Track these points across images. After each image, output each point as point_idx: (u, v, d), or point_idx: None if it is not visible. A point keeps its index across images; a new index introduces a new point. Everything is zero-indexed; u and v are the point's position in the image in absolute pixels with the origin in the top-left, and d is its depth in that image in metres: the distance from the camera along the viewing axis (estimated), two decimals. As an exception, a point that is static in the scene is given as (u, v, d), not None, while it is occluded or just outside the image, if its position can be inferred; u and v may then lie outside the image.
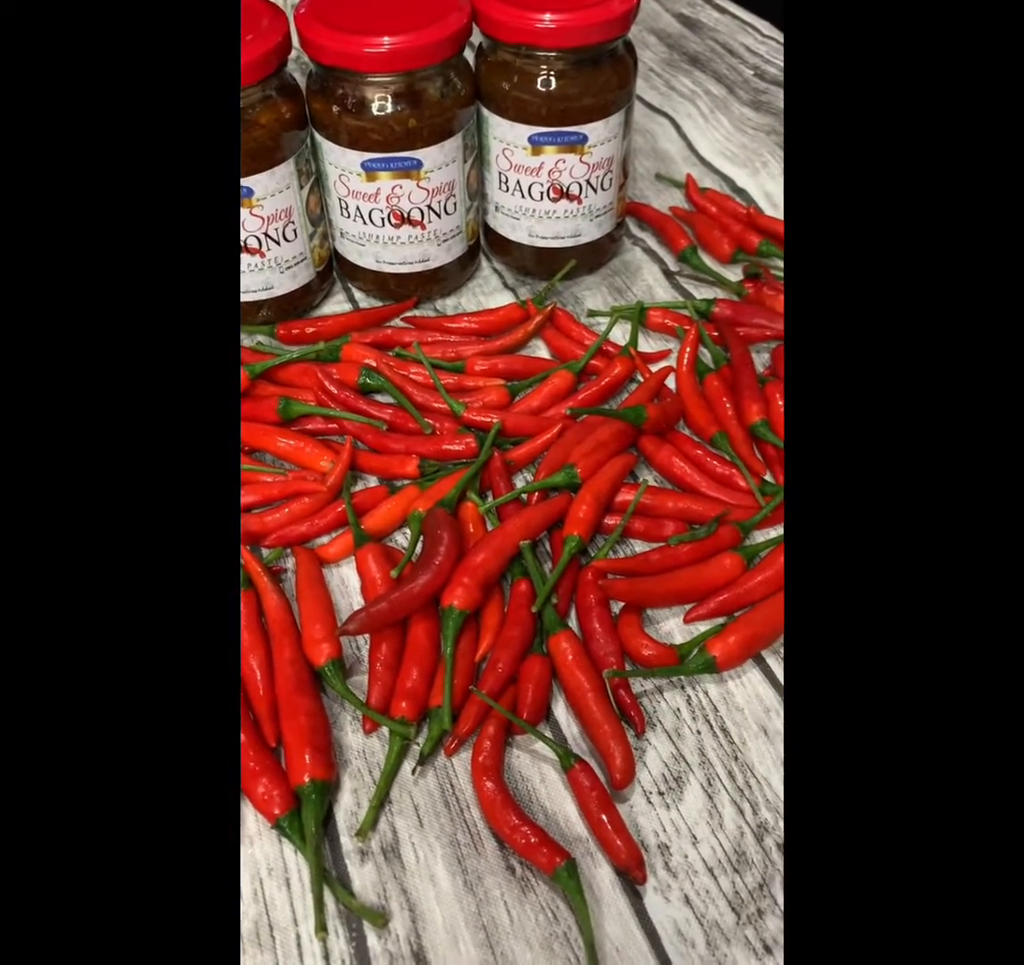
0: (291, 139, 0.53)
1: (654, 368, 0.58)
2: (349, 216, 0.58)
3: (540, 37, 0.51)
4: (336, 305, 0.63)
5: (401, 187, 0.55)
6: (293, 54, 0.52)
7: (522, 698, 0.42)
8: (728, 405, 0.54)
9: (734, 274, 0.64)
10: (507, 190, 0.59)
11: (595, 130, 0.55)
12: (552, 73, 0.53)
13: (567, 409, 0.52)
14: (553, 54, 0.52)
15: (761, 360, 0.58)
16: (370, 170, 0.54)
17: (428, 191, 0.56)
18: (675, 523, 0.49)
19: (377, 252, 0.59)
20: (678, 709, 0.43)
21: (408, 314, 0.62)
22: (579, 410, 0.52)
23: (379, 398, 0.56)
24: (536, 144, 0.55)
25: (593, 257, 0.63)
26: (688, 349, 0.56)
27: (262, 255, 0.56)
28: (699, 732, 0.42)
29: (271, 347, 0.59)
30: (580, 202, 0.59)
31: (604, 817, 0.39)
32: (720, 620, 0.46)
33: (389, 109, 0.52)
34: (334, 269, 0.64)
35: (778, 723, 0.42)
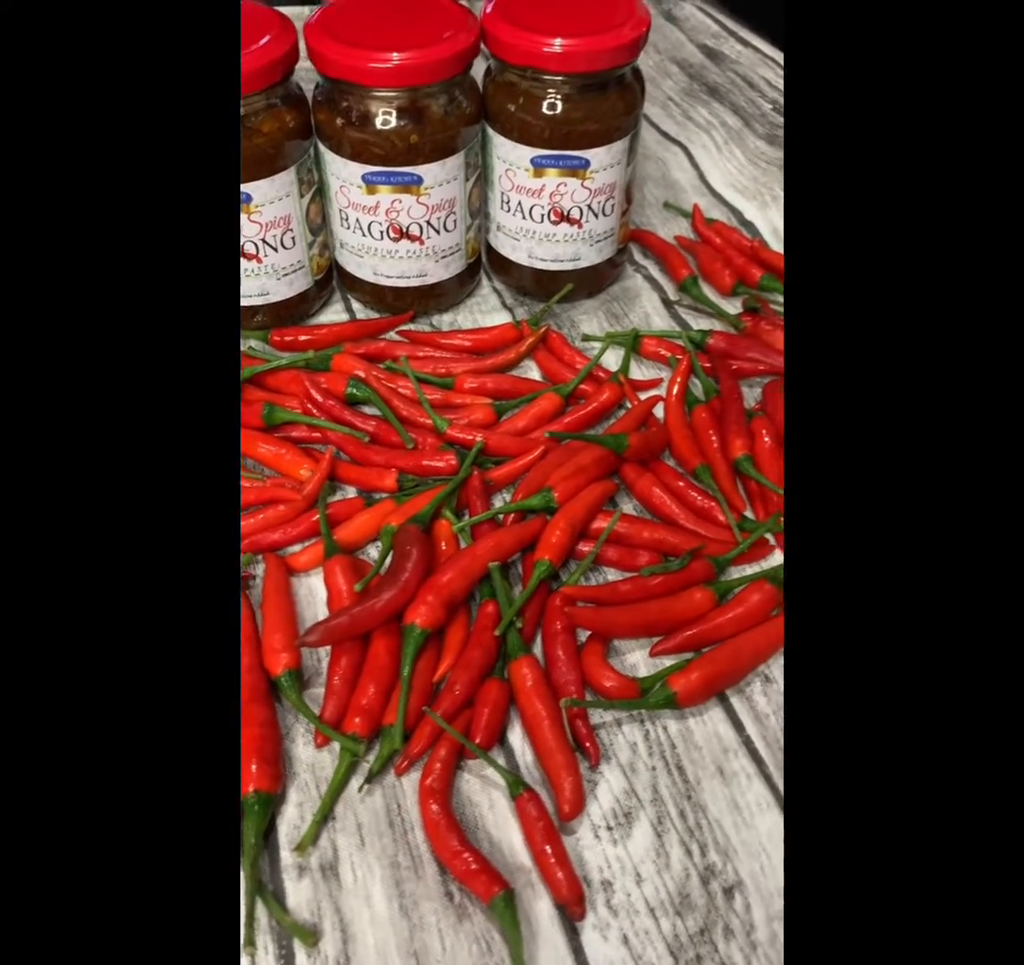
0: (293, 148, 0.54)
1: (644, 396, 0.58)
2: (349, 227, 0.58)
3: (547, 61, 0.51)
4: (334, 314, 0.64)
5: (400, 202, 0.55)
6: (304, 64, 0.53)
7: (476, 722, 0.41)
8: (714, 438, 0.53)
9: (734, 307, 0.64)
10: (508, 211, 0.59)
11: (597, 155, 0.55)
12: (558, 97, 0.53)
13: (547, 432, 0.52)
14: (559, 78, 0.53)
15: (753, 394, 0.58)
16: (370, 183, 0.54)
17: (428, 207, 0.56)
18: (649, 554, 0.49)
19: (375, 265, 0.59)
20: (635, 743, 0.42)
21: (403, 328, 0.62)
22: (559, 434, 0.51)
23: (366, 410, 0.56)
24: (538, 166, 0.56)
25: (592, 282, 0.63)
26: (678, 379, 0.56)
27: (259, 261, 0.56)
28: (654, 768, 0.41)
29: (263, 352, 0.59)
30: (580, 226, 0.59)
31: (548, 848, 0.38)
32: (687, 655, 0.45)
33: (392, 124, 0.52)
34: (334, 279, 0.64)
35: (735, 764, 0.42)
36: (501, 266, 0.63)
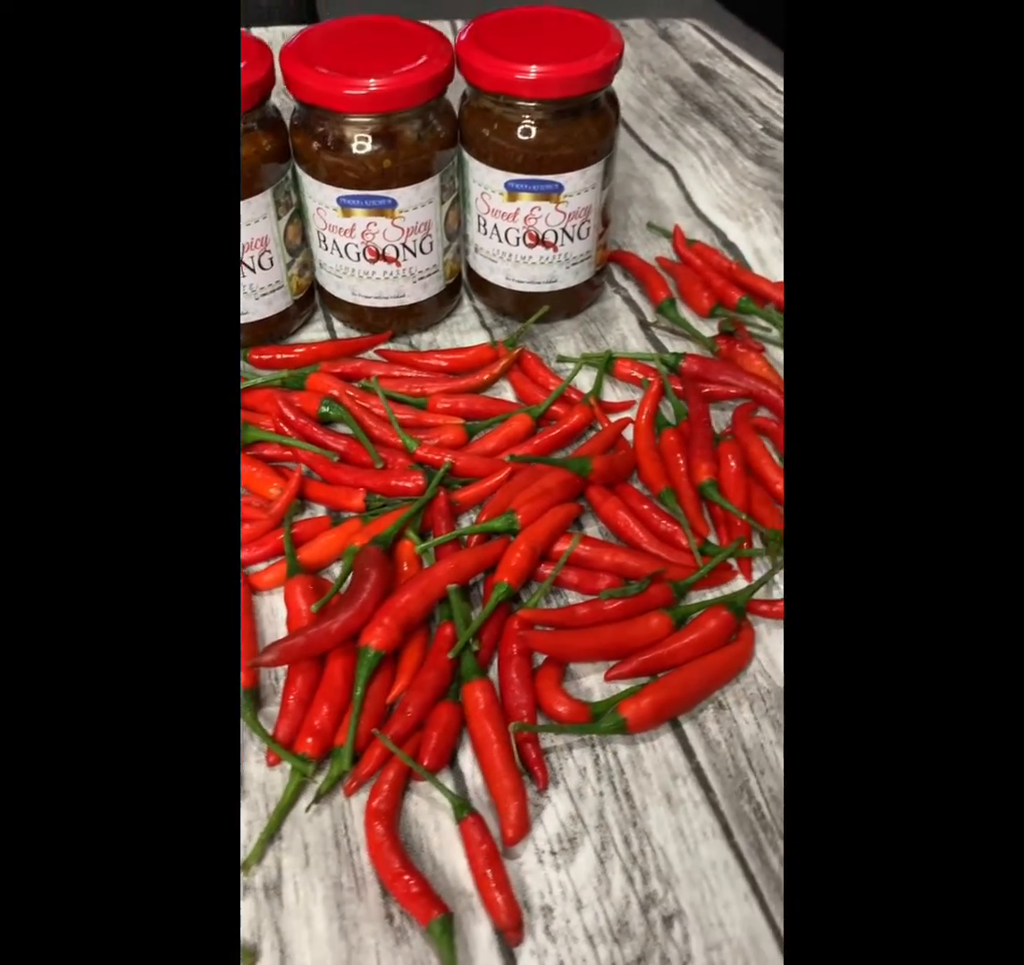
0: (270, 171, 0.55)
1: (615, 418, 0.58)
2: (327, 249, 0.59)
3: (519, 88, 0.52)
4: (315, 333, 0.64)
5: (375, 224, 0.56)
6: (282, 87, 0.54)
7: (425, 744, 0.42)
8: (681, 462, 0.54)
9: (712, 329, 0.64)
10: (485, 233, 0.60)
11: (571, 180, 0.56)
12: (531, 122, 0.54)
13: (508, 456, 0.52)
14: (532, 104, 0.53)
15: (726, 418, 0.58)
16: (346, 206, 0.55)
17: (403, 230, 0.56)
18: (611, 577, 0.49)
19: (353, 285, 0.60)
20: (584, 768, 0.43)
21: (382, 347, 0.62)
22: (520, 458, 0.52)
23: (340, 429, 0.57)
24: (512, 190, 0.56)
25: (570, 303, 0.64)
26: (648, 403, 0.56)
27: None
28: (602, 794, 0.42)
29: (242, 371, 0.60)
30: (556, 249, 0.59)
31: (489, 873, 0.38)
32: (643, 680, 0.46)
33: (365, 148, 0.53)
34: (316, 298, 0.65)
35: (684, 791, 0.42)
36: (481, 287, 0.64)
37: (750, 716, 0.44)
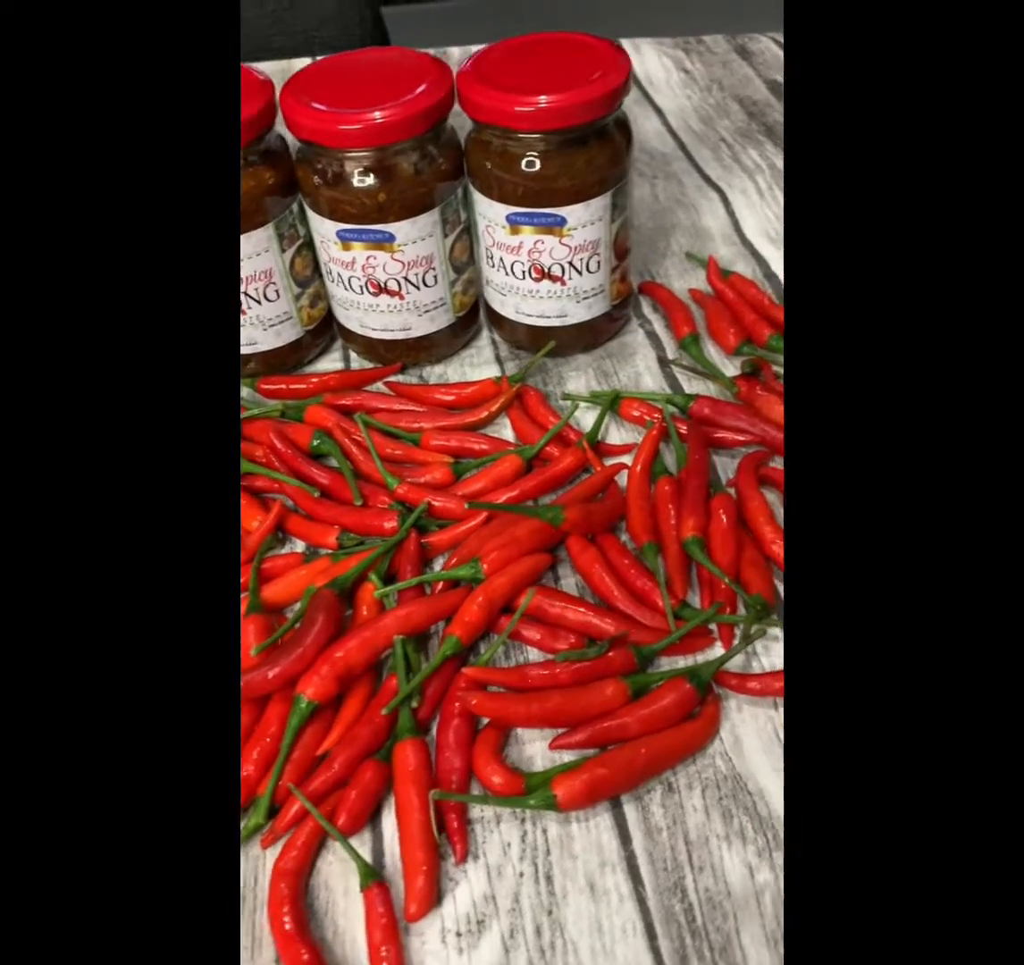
0: (273, 204, 0.55)
1: (613, 462, 0.55)
2: (333, 281, 0.58)
3: (516, 120, 0.50)
4: (330, 363, 0.64)
5: (375, 258, 0.55)
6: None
7: (342, 804, 0.40)
8: (673, 514, 0.50)
9: (735, 368, 0.60)
10: (493, 266, 0.58)
11: (574, 213, 0.53)
12: (534, 154, 0.52)
13: (467, 503, 0.50)
14: (533, 136, 0.51)
15: (734, 466, 0.54)
16: (345, 240, 0.55)
17: (403, 263, 0.55)
18: (574, 636, 0.46)
19: (360, 318, 0.60)
20: (509, 844, 0.40)
21: (392, 379, 0.62)
22: (478, 504, 0.50)
23: (331, 463, 0.56)
24: (514, 224, 0.54)
25: (586, 337, 0.61)
26: (646, 447, 0.53)
27: (244, 313, 0.58)
28: (521, 874, 0.39)
29: (249, 400, 0.60)
30: (563, 283, 0.57)
31: (384, 949, 0.36)
32: (590, 752, 0.43)
33: (361, 183, 0.52)
34: (334, 328, 0.65)
35: (611, 881, 0.39)
36: (496, 320, 0.62)
37: (700, 803, 0.41)
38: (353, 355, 0.64)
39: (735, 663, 0.45)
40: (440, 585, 0.48)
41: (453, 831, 0.40)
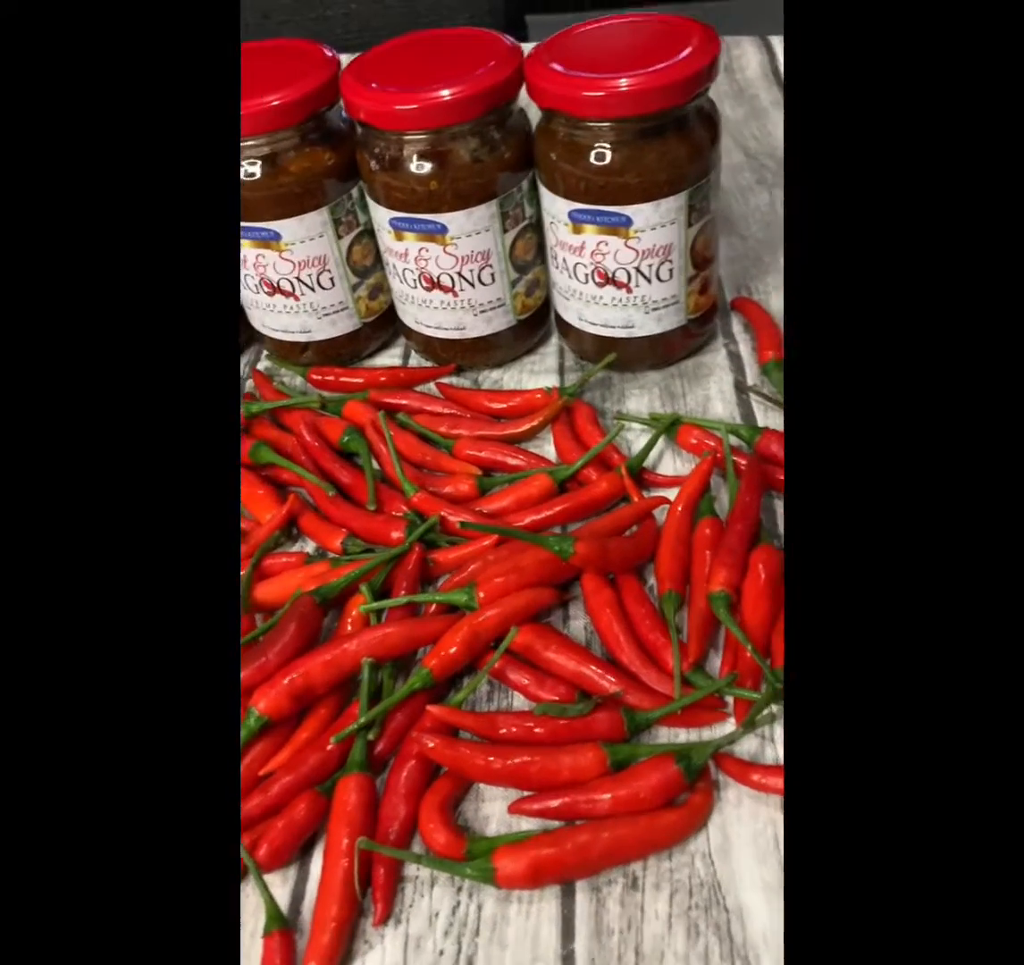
0: (331, 187, 0.52)
1: (657, 494, 0.49)
2: (391, 272, 0.55)
3: (578, 106, 0.45)
4: (390, 359, 0.62)
5: (427, 250, 0.52)
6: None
7: (266, 834, 0.37)
8: (707, 563, 0.43)
9: (822, 401, 0.52)
10: (557, 267, 0.53)
11: (642, 213, 0.47)
12: (605, 145, 0.47)
13: (460, 522, 0.45)
14: (605, 124, 0.46)
15: (798, 513, 0.46)
16: (397, 229, 0.52)
17: (457, 258, 0.52)
18: (565, 687, 0.41)
19: (415, 313, 0.56)
20: (437, 914, 0.35)
21: (443, 381, 0.58)
22: (471, 526, 0.45)
23: (360, 462, 0.53)
24: (576, 222, 0.49)
25: (657, 352, 0.55)
26: (694, 482, 0.47)
27: (296, 299, 0.56)
28: (442, 953, 0.34)
29: (293, 388, 0.58)
30: (629, 291, 0.51)
31: (269, 1011, 0.33)
32: (553, 824, 0.37)
33: (414, 168, 0.49)
34: (397, 322, 0.62)
35: (539, 982, 0.33)
36: (562, 326, 0.57)
37: (665, 909, 0.34)
38: (414, 352, 0.61)
39: (746, 747, 0.38)
40: (433, 608, 0.44)
41: (378, 887, 0.36)
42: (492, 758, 0.37)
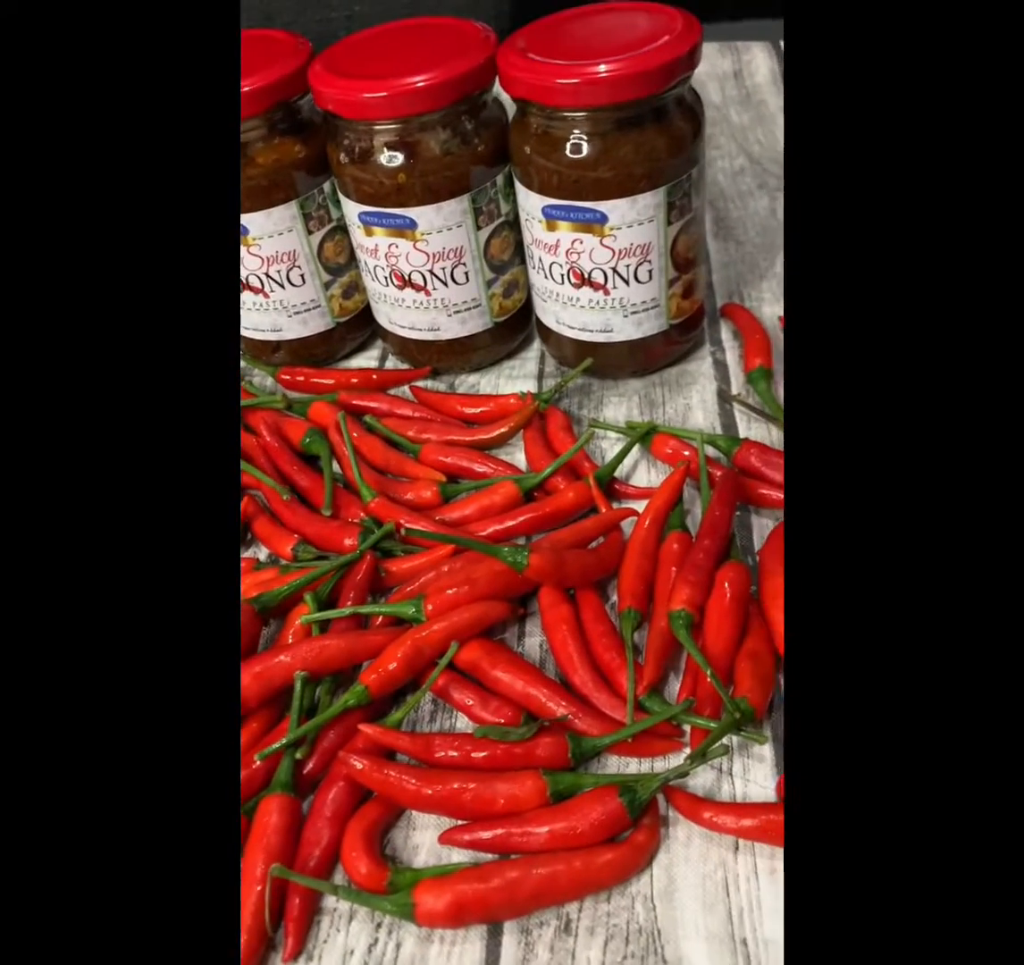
0: (300, 180, 0.50)
1: (626, 506, 0.46)
2: (364, 269, 0.53)
3: (549, 94, 0.43)
4: (366, 360, 0.60)
5: (397, 246, 0.50)
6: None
7: (176, 859, 0.34)
8: (672, 579, 0.41)
9: (810, 413, 0.49)
10: (534, 267, 0.51)
11: (617, 209, 0.45)
12: (578, 136, 0.44)
13: (404, 529, 0.43)
14: (579, 114, 0.44)
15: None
16: (366, 224, 0.50)
17: (428, 255, 0.49)
18: (512, 709, 0.38)
19: (388, 312, 0.54)
20: (352, 951, 0.32)
21: (419, 384, 0.56)
22: (416, 532, 0.42)
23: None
24: (550, 218, 0.47)
25: (637, 359, 0.52)
26: (663, 494, 0.44)
27: (265, 296, 0.54)
28: (352, 996, 0.31)
29: (260, 389, 0.57)
30: (606, 292, 0.49)
31: (160, 1053, 0.30)
32: (485, 857, 0.34)
33: (382, 160, 0.47)
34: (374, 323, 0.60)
35: (454, 1034, 0.30)
36: (544, 331, 0.55)
37: (598, 956, 0.31)
38: (391, 355, 0.59)
39: (701, 781, 0.35)
40: (380, 620, 0.42)
41: (291, 919, 0.33)
42: (424, 783, 0.35)
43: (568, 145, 0.44)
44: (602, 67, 0.42)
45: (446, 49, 0.46)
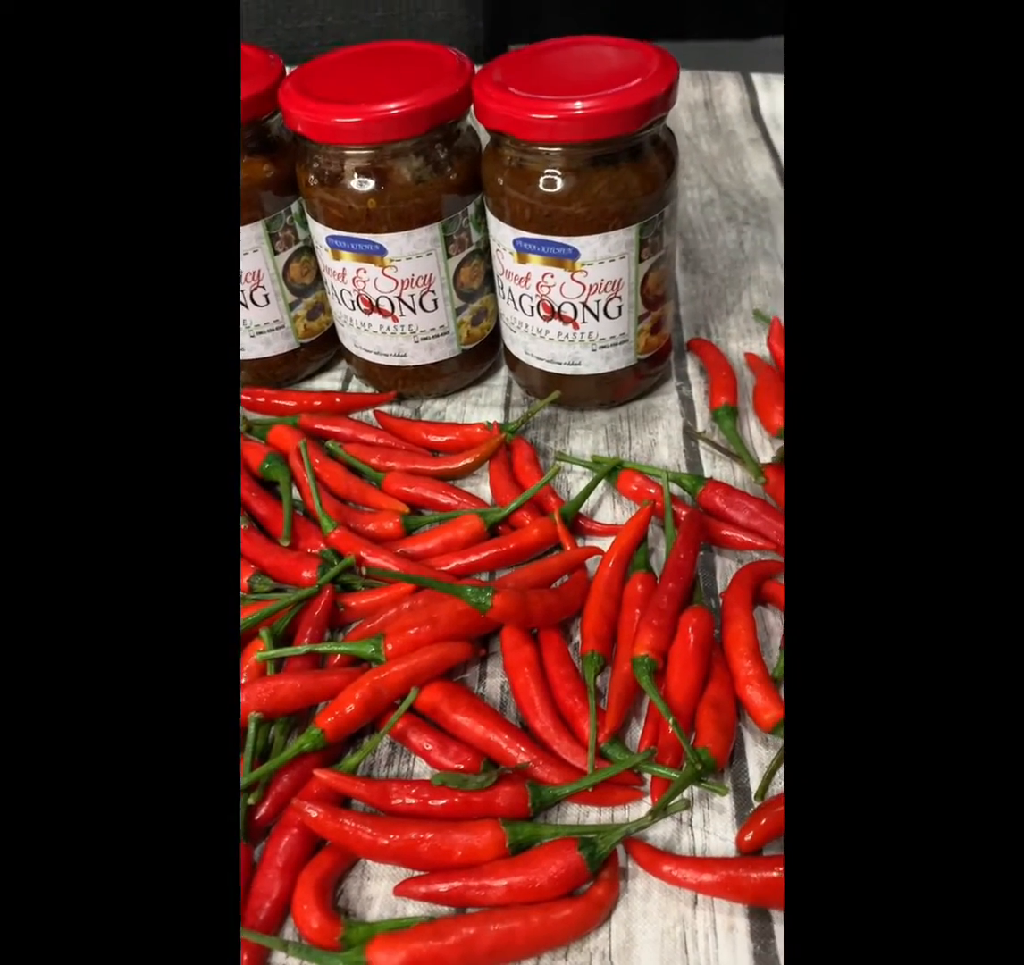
0: (267, 200, 0.49)
1: (592, 544, 0.46)
2: (330, 292, 0.52)
3: (524, 129, 0.42)
4: (330, 382, 0.59)
5: (365, 272, 0.49)
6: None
7: (118, 912, 0.33)
8: (635, 622, 0.40)
9: (771, 454, 0.49)
10: (503, 297, 0.50)
11: (589, 245, 0.45)
12: (552, 171, 0.44)
13: (365, 569, 0.42)
14: (554, 149, 0.43)
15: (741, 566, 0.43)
16: (334, 247, 0.49)
17: (396, 281, 0.49)
18: (471, 755, 0.37)
19: (353, 336, 0.53)
20: (300, 1012, 0.31)
21: (383, 409, 0.55)
22: (380, 573, 0.42)
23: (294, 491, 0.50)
24: (521, 251, 0.46)
25: (605, 391, 0.52)
26: (628, 533, 0.44)
27: (228, 315, 0.53)
28: (300, 1059, 0.30)
29: (223, 410, 0.55)
30: (576, 326, 0.48)
31: None
32: (443, 909, 0.34)
33: (353, 185, 0.46)
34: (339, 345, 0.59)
35: None
36: (511, 359, 0.54)
37: (554, 1017, 0.31)
38: (355, 378, 0.58)
39: (661, 832, 0.35)
40: (337, 659, 0.41)
41: (236, 978, 0.32)
42: (380, 832, 0.34)
43: (542, 179, 0.44)
44: (579, 104, 0.41)
45: (421, 76, 0.45)
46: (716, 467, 0.49)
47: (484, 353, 0.55)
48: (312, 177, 0.48)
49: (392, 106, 0.43)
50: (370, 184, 0.46)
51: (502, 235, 0.47)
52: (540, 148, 0.43)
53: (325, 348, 0.58)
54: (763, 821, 0.34)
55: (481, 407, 0.55)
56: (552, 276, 0.47)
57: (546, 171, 0.44)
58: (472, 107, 0.45)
